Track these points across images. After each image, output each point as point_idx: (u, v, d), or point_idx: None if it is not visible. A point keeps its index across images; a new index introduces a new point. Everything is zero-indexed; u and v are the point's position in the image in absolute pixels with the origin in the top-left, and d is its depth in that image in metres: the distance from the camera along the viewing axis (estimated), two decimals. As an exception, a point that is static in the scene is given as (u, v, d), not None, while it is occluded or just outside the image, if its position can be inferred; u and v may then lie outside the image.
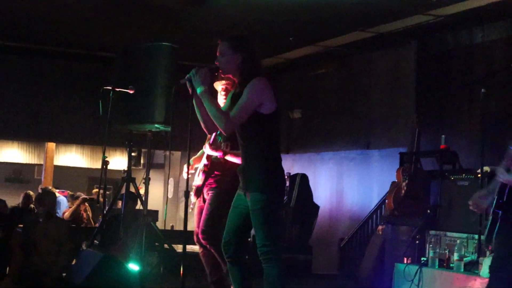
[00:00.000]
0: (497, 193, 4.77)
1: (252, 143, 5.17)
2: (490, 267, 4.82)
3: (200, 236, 6.74)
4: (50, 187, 14.15)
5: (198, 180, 6.98)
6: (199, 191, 6.97)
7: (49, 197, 9.12)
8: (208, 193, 6.88)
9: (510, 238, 4.61)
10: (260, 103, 5.09)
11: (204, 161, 6.95)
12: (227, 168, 6.69)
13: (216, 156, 6.74)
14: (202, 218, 6.95)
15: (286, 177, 11.92)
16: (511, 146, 4.74)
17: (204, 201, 6.93)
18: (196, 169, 7.06)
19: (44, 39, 12.79)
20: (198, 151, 7.45)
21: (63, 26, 11.62)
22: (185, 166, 6.38)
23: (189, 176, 5.75)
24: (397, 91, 11.54)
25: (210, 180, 6.88)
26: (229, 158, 6.64)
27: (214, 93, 5.72)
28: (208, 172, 6.89)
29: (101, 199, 9.58)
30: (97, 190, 12.62)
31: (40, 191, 13.89)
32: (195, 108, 5.30)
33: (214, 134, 6.73)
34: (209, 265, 6.86)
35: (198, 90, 5.09)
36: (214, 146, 6.72)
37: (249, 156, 5.18)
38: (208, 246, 6.70)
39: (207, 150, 6.81)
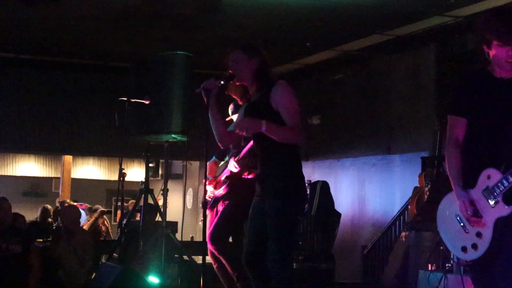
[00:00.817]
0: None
1: (271, 149, 5.15)
2: None
3: (210, 246, 6.74)
4: (68, 200, 14.23)
5: (220, 190, 6.99)
6: (215, 202, 6.99)
7: (74, 211, 9.18)
8: (223, 205, 6.91)
9: None
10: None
11: (226, 173, 6.97)
12: (246, 182, 6.71)
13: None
14: (212, 228, 6.99)
15: (306, 184, 11.93)
16: None
17: (217, 213, 6.95)
18: (215, 181, 7.08)
19: (59, 52, 12.88)
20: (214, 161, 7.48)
21: (78, 38, 11.69)
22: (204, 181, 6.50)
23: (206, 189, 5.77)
24: (417, 94, 11.50)
25: (227, 192, 6.91)
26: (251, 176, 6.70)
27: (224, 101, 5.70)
28: (231, 185, 6.92)
29: (118, 212, 9.61)
30: (132, 201, 12.45)
31: (58, 204, 13.99)
32: (210, 119, 5.31)
33: (243, 151, 6.77)
34: (226, 278, 6.85)
35: (264, 128, 5.00)
36: (242, 162, 6.75)
37: (267, 163, 5.16)
38: (218, 255, 6.71)
39: (231, 167, 6.85)
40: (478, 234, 4.32)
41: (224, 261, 6.74)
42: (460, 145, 4.45)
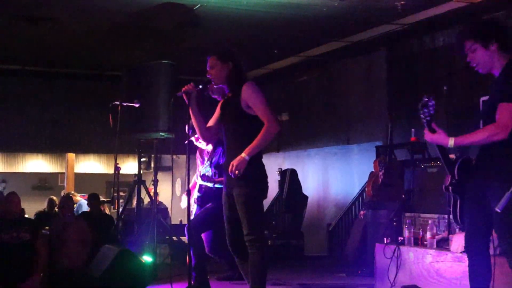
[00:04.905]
0: (449, 172, 4.60)
1: (238, 142, 5.12)
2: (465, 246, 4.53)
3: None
4: (73, 192, 14.14)
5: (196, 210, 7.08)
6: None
7: (71, 202, 9.10)
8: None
9: (471, 216, 4.43)
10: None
11: (196, 193, 7.02)
12: (218, 194, 6.83)
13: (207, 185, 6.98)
14: (210, 240, 7.09)
15: (277, 172, 11.93)
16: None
17: None
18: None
19: (59, 63, 12.81)
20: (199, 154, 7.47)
21: (75, 51, 11.61)
22: (185, 195, 6.64)
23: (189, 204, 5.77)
24: (371, 93, 11.52)
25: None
26: (218, 186, 6.85)
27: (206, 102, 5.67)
28: (201, 204, 7.05)
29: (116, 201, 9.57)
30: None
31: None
32: (192, 118, 5.28)
33: (204, 166, 7.02)
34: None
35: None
36: (206, 178, 6.97)
37: (233, 153, 5.12)
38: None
39: (199, 180, 6.96)
40: None
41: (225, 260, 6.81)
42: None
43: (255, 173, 5.12)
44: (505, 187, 3.81)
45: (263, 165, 5.22)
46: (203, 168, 7.11)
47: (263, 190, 5.24)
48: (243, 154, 4.98)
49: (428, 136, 4.49)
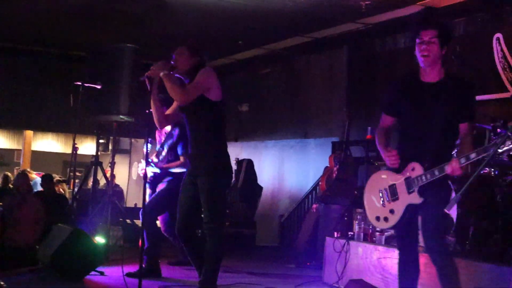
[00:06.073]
0: None
1: (202, 130, 5.15)
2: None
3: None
4: (28, 170, 13.93)
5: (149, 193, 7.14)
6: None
7: (27, 179, 8.98)
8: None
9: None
10: (208, 87, 5.12)
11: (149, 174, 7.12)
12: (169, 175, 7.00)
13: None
14: (166, 221, 7.11)
15: (234, 161, 11.95)
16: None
17: None
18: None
19: (23, 40, 12.62)
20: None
21: (39, 28, 11.43)
22: (142, 163, 6.88)
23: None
24: (331, 89, 11.58)
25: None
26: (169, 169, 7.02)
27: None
28: (152, 186, 7.12)
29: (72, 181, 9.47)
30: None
31: (16, 173, 13.69)
32: (151, 102, 5.29)
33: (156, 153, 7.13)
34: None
35: (161, 74, 5.03)
36: (155, 162, 7.08)
37: (198, 143, 5.15)
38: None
39: (149, 168, 7.04)
40: (391, 211, 4.39)
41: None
42: (386, 131, 4.50)
43: (221, 163, 5.16)
44: None
45: (229, 156, 5.26)
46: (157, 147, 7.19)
47: (227, 180, 5.29)
48: (165, 71, 5.08)
49: None
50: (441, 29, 4.33)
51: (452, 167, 4.07)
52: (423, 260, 4.71)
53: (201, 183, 5.15)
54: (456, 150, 4.59)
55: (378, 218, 4.48)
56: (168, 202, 6.80)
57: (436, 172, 4.17)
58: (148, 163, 7.04)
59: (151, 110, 5.29)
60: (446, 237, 4.60)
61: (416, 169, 4.28)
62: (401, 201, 4.34)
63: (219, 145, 5.18)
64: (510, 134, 3.79)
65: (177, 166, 6.95)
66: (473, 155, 4.00)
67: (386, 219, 4.41)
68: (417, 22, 4.45)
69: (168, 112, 5.43)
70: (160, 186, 7.01)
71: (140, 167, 7.33)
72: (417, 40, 4.33)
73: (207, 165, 5.11)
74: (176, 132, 6.99)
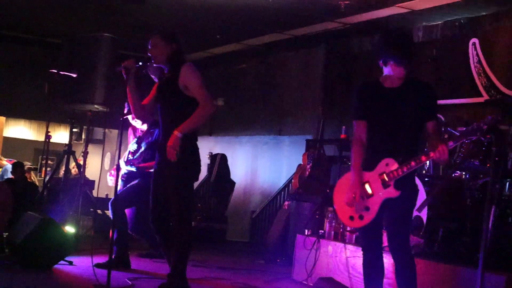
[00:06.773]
0: None
1: (175, 123, 5.12)
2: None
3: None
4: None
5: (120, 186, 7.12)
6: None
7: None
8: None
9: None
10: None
11: (124, 169, 7.13)
12: (144, 172, 6.91)
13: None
14: (132, 218, 7.09)
15: (208, 156, 11.92)
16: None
17: None
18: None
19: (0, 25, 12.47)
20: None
21: (15, 13, 11.28)
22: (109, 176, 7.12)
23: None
24: (307, 87, 11.60)
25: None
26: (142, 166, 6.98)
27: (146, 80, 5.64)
28: (126, 181, 7.08)
29: (43, 169, 9.38)
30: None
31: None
32: (128, 93, 5.25)
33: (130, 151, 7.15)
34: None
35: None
36: (129, 162, 7.06)
37: (170, 134, 5.11)
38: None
39: (123, 166, 7.00)
40: (367, 208, 4.39)
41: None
42: (363, 143, 4.49)
43: (189, 156, 5.13)
44: None
45: (197, 149, 5.25)
46: (131, 145, 7.14)
47: (195, 173, 5.27)
48: (175, 132, 4.99)
49: None
50: (412, 58, 4.40)
51: (440, 151, 4.12)
52: (389, 260, 4.73)
53: (169, 175, 5.13)
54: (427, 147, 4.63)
55: (352, 218, 4.48)
56: (138, 197, 6.77)
57: (413, 163, 4.23)
58: (127, 162, 7.04)
59: (125, 116, 5.30)
60: (410, 236, 4.61)
61: (390, 164, 4.31)
62: (376, 197, 4.35)
63: (189, 138, 5.15)
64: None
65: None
66: (458, 135, 4.13)
67: (361, 217, 4.42)
68: (394, 47, 4.47)
69: (144, 102, 5.39)
70: (133, 182, 6.97)
71: (110, 180, 7.34)
72: (393, 62, 4.41)
73: (178, 157, 5.07)
74: (156, 131, 6.94)
